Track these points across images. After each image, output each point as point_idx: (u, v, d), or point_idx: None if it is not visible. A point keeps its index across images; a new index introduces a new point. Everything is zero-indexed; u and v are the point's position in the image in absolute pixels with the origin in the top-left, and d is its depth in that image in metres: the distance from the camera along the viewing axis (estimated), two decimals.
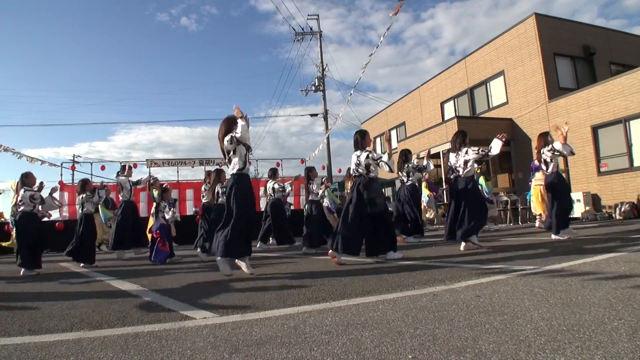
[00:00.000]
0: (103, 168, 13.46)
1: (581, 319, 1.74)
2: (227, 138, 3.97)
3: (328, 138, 18.72)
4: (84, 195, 6.24)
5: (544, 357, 1.34)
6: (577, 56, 13.40)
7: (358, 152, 4.71)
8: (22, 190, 5.53)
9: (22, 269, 5.28)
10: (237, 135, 3.89)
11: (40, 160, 14.03)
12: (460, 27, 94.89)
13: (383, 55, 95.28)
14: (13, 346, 1.87)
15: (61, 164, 14.74)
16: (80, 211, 6.30)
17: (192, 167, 15.32)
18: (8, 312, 2.73)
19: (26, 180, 5.69)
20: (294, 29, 19.82)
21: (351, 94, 14.95)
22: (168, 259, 6.04)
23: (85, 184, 6.51)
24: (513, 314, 1.89)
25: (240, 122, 3.90)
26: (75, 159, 20.94)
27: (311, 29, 19.31)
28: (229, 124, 4.03)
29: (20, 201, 5.52)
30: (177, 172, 15.03)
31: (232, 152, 3.99)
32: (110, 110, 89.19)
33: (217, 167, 8.57)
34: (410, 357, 1.43)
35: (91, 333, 2.04)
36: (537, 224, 8.12)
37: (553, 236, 5.53)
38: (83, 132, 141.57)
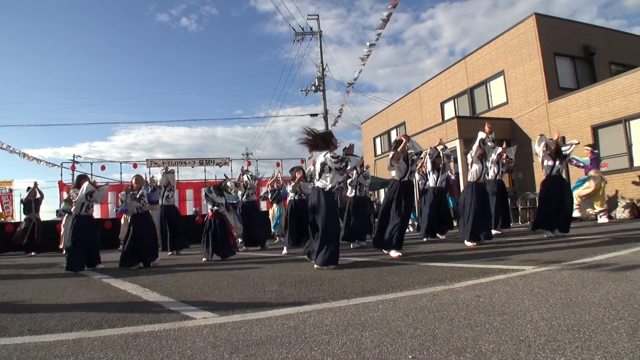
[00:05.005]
0: (103, 168, 13.49)
1: (581, 319, 1.74)
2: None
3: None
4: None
5: (544, 357, 1.34)
6: (577, 56, 13.39)
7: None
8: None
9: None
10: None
11: (39, 159, 14.06)
12: (459, 27, 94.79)
13: (383, 55, 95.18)
14: (13, 346, 1.87)
15: (61, 164, 14.79)
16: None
17: (192, 167, 15.37)
18: (8, 312, 2.73)
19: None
20: (294, 29, 19.79)
21: (350, 85, 14.95)
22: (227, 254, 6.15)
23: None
24: (513, 314, 1.89)
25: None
26: (75, 159, 20.91)
27: (311, 29, 19.30)
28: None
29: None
30: (177, 172, 15.02)
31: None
32: (110, 110, 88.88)
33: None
34: (410, 357, 1.43)
35: (91, 333, 2.04)
36: (604, 219, 8.49)
37: None
38: (83, 132, 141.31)
